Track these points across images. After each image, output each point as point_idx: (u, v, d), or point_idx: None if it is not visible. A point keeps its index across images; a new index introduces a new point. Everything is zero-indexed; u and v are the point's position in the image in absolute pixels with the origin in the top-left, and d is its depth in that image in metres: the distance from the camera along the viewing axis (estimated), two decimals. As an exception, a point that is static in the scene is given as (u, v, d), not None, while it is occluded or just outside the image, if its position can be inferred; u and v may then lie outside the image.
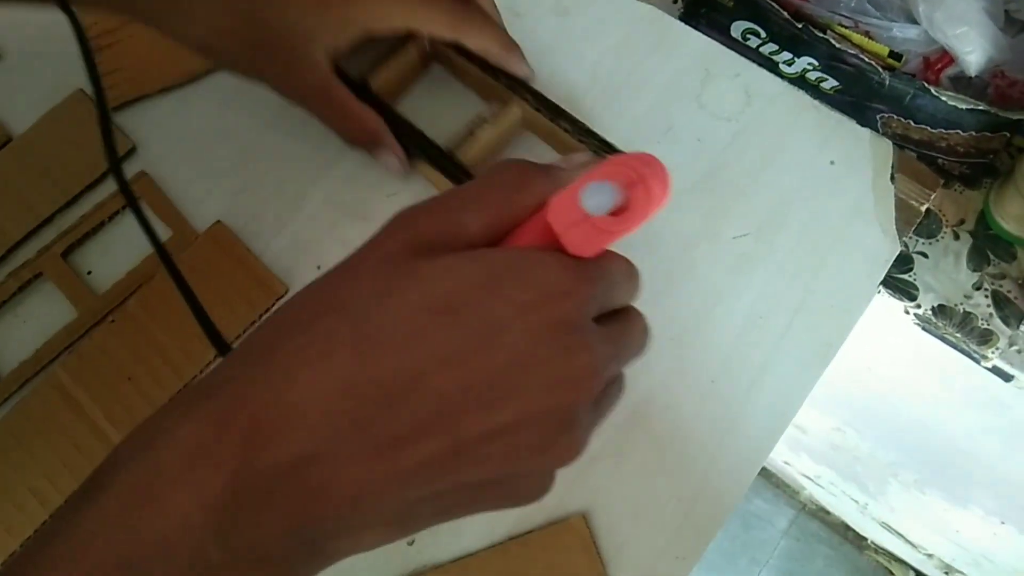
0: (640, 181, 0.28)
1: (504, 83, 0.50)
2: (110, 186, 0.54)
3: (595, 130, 0.48)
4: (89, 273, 0.52)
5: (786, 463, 1.47)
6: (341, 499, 0.26)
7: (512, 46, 0.50)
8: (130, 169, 0.54)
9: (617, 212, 0.28)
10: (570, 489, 0.46)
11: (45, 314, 0.51)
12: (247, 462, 0.25)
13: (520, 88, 0.49)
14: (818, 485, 1.47)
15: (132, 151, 0.54)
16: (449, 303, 0.27)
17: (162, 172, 0.54)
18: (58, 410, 0.49)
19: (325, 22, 0.46)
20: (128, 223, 0.53)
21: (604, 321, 0.30)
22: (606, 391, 0.31)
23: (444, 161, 0.48)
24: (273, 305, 0.50)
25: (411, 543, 0.45)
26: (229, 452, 0.25)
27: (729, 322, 0.48)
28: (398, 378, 0.26)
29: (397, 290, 0.27)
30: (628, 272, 0.32)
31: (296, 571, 0.27)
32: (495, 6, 0.51)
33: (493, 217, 0.30)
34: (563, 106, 0.49)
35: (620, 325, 0.31)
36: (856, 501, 1.38)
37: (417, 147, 0.49)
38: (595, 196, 0.26)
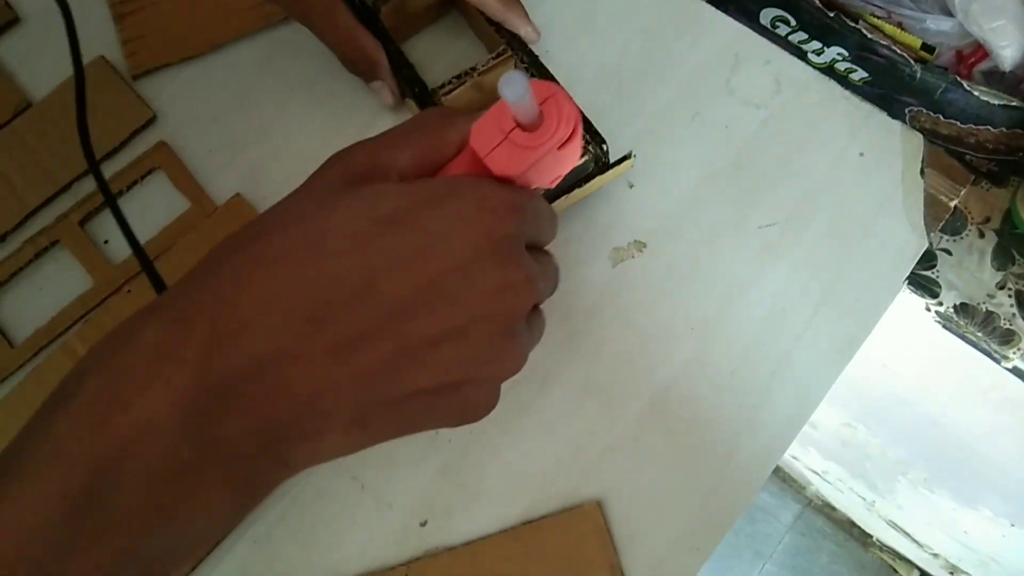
0: (551, 97, 0.30)
1: (505, 39, 0.49)
2: (129, 155, 0.53)
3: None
4: (106, 242, 0.52)
5: (794, 457, 1.46)
6: (298, 399, 0.27)
7: (512, 2, 0.49)
8: (150, 138, 0.53)
9: (532, 129, 0.30)
10: (585, 476, 0.45)
11: (61, 282, 0.51)
12: (209, 362, 0.26)
13: (518, 47, 0.49)
14: (825, 481, 1.46)
15: (152, 120, 0.54)
16: (393, 215, 0.28)
17: (182, 142, 0.53)
18: None
19: None
20: (146, 193, 0.53)
21: (530, 250, 0.32)
22: (535, 314, 0.34)
23: (428, 102, 0.48)
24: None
25: (423, 524, 0.45)
26: (192, 353, 0.26)
27: (752, 313, 0.47)
28: (349, 281, 0.27)
29: (343, 204, 0.29)
30: (552, 213, 0.34)
31: (261, 476, 0.28)
32: None
33: (421, 152, 0.32)
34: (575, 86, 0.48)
35: (540, 256, 0.34)
36: (863, 498, 1.37)
37: (406, 83, 0.49)
38: (512, 86, 0.27)
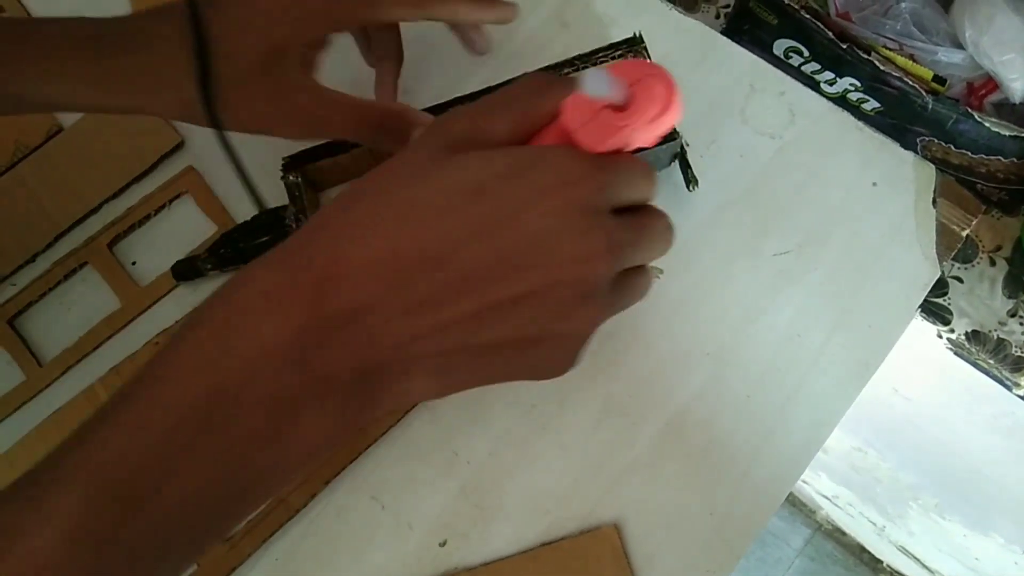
0: (642, 79, 0.31)
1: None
2: (157, 178, 0.54)
3: (599, 47, 0.50)
4: (134, 264, 0.53)
5: (804, 482, 1.46)
6: (383, 345, 0.30)
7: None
8: (178, 163, 0.55)
9: (623, 108, 0.31)
10: (603, 499, 0.46)
11: (89, 303, 0.52)
12: (317, 304, 0.29)
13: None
14: (836, 505, 1.46)
15: (180, 145, 0.55)
16: (479, 185, 0.30)
17: (208, 167, 0.54)
18: None
19: (292, 22, 0.43)
20: (174, 217, 0.54)
21: (625, 214, 0.33)
22: (626, 279, 0.35)
23: None
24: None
25: (443, 544, 0.46)
26: (303, 295, 0.29)
27: (767, 338, 0.48)
28: (434, 246, 0.30)
29: (433, 175, 0.31)
30: (643, 171, 0.34)
31: (353, 409, 0.31)
32: None
33: (517, 120, 0.33)
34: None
35: (640, 219, 0.34)
36: (874, 523, 1.37)
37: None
38: (593, 83, 0.29)
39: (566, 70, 0.49)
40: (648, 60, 0.30)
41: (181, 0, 0.42)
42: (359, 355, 0.30)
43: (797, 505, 1.62)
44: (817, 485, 1.43)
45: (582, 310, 0.32)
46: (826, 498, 1.47)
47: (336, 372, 0.30)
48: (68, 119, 0.57)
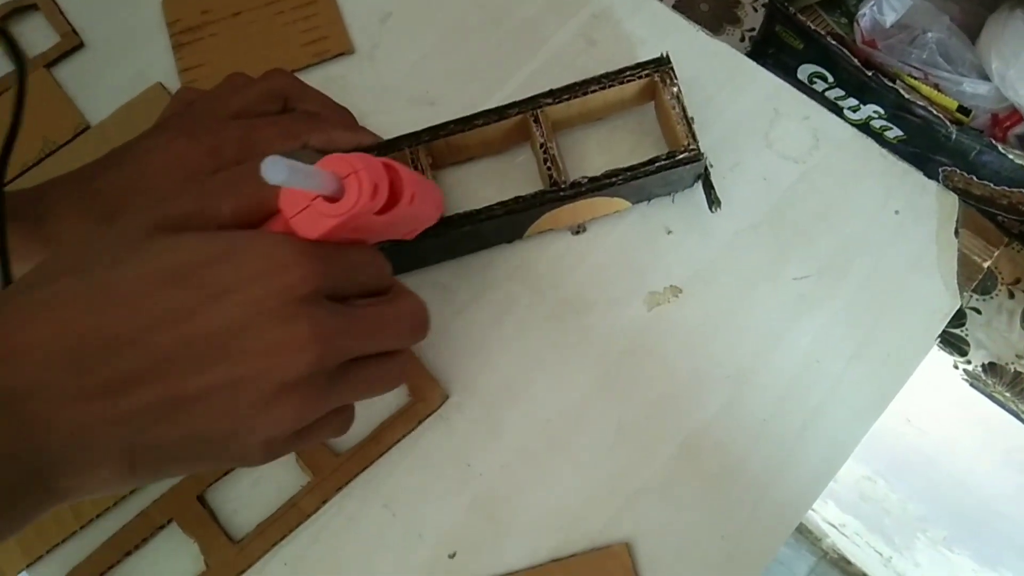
0: (354, 173, 0.31)
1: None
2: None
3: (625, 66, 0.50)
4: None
5: (812, 509, 1.44)
6: (59, 433, 0.28)
7: (358, 128, 0.50)
8: (203, 165, 0.55)
9: (336, 199, 0.31)
10: (615, 517, 0.46)
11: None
12: None
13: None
14: (842, 534, 1.45)
15: (206, 148, 0.55)
16: (180, 270, 0.30)
17: (233, 170, 0.55)
18: None
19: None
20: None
21: (354, 301, 0.33)
22: (355, 369, 0.34)
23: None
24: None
25: (452, 556, 0.46)
26: None
27: (785, 363, 0.48)
28: (121, 330, 0.28)
29: (137, 256, 0.30)
30: (369, 259, 0.35)
31: (25, 502, 0.29)
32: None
33: (244, 203, 0.32)
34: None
35: (369, 306, 0.34)
36: (880, 553, 1.36)
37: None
38: (270, 170, 0.27)
39: (592, 88, 0.49)
40: (363, 154, 0.31)
41: None
42: (15, 442, 0.27)
43: (803, 532, 1.61)
44: (824, 513, 1.42)
45: (275, 406, 0.31)
46: (833, 526, 1.46)
47: None
48: (95, 116, 0.57)
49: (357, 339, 0.33)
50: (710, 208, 0.49)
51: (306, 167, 0.29)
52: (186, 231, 0.31)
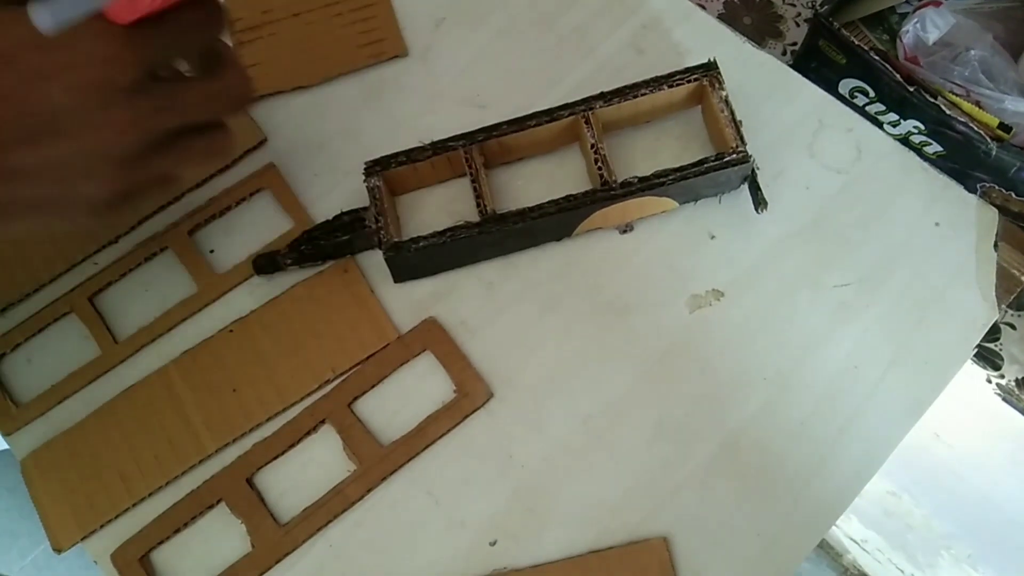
0: None
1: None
2: (239, 172, 0.57)
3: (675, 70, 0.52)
4: (212, 252, 0.55)
5: (834, 525, 1.44)
6: None
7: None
8: (260, 159, 0.57)
9: None
10: (653, 512, 0.47)
11: (167, 286, 0.54)
12: None
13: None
14: (864, 550, 1.44)
15: (264, 142, 0.57)
16: (3, 53, 0.33)
17: (289, 165, 0.57)
18: (163, 405, 0.52)
19: None
20: (253, 211, 0.56)
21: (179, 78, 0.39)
22: (172, 141, 0.38)
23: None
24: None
25: (493, 544, 0.47)
26: None
27: (824, 368, 0.49)
28: None
29: None
30: (195, 21, 0.37)
31: None
32: None
33: None
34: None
35: (195, 84, 0.39)
36: (901, 570, 1.35)
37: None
38: (44, 19, 0.30)
39: (643, 91, 0.51)
40: None
41: None
42: None
43: (824, 547, 1.60)
44: (847, 528, 1.41)
45: (98, 176, 0.37)
46: (855, 542, 1.45)
47: None
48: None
49: (177, 115, 0.38)
50: (756, 209, 0.51)
51: None
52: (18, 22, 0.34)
